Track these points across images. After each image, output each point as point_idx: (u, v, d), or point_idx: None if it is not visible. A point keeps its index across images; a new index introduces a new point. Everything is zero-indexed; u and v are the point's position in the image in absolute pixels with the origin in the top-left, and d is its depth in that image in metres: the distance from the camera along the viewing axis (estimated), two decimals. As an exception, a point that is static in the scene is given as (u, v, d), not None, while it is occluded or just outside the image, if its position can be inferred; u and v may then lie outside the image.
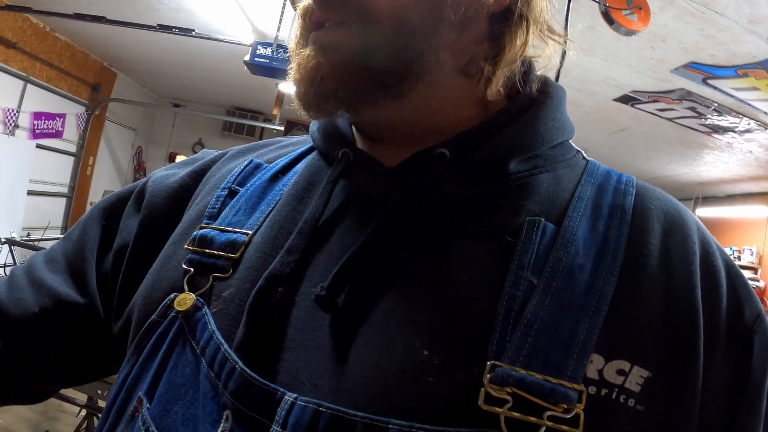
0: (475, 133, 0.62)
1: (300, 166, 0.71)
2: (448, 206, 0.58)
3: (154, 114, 10.55)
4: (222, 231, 0.64)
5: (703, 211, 9.61)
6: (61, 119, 6.93)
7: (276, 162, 0.74)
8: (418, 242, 0.56)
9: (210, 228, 0.65)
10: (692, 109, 5.61)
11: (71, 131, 7.35)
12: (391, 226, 0.56)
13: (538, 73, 0.70)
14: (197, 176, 0.77)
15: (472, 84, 0.63)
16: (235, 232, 0.63)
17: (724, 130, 6.09)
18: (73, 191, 7.89)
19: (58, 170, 7.53)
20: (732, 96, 5.05)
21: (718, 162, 7.68)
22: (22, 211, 6.25)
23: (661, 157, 8.06)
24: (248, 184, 0.70)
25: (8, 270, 4.79)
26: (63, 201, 7.79)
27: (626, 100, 5.75)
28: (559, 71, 0.68)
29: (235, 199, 0.69)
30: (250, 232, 0.62)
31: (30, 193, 6.49)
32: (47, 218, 6.75)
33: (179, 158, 6.65)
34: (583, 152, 0.69)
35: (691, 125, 6.18)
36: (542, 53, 0.66)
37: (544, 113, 0.64)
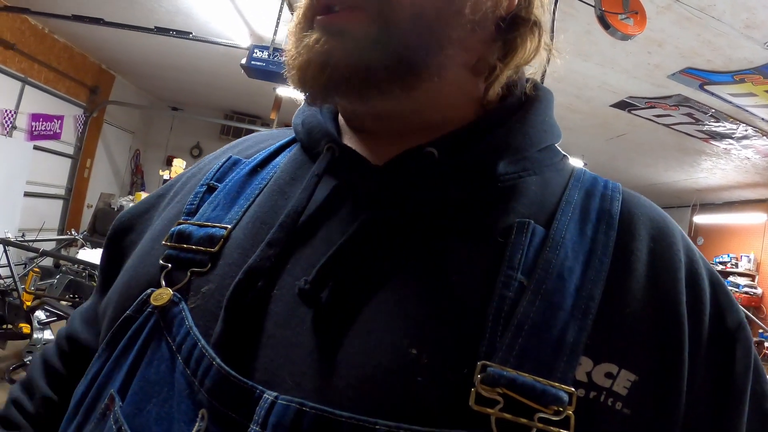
0: (464, 133, 0.61)
1: (280, 160, 0.70)
2: (437, 206, 0.58)
3: (152, 117, 10.57)
4: (200, 226, 0.63)
5: (701, 218, 9.63)
6: (59, 121, 6.95)
7: (254, 156, 0.73)
8: (406, 240, 0.55)
9: (188, 224, 0.64)
10: (689, 115, 5.63)
11: (69, 133, 7.37)
12: (379, 224, 0.55)
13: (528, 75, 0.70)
14: (162, 192, 0.79)
15: (476, 82, 0.64)
16: (214, 227, 0.62)
17: (722, 136, 6.11)
18: (70, 193, 7.91)
19: (56, 172, 7.55)
20: (729, 102, 5.07)
21: (716, 169, 7.70)
22: (18, 212, 6.26)
23: (658, 164, 8.08)
24: (226, 180, 0.69)
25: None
26: (60, 203, 7.80)
27: (623, 105, 5.77)
28: (543, 75, 0.69)
29: (213, 195, 0.68)
30: (229, 227, 0.61)
31: (27, 194, 6.50)
32: (44, 220, 6.75)
33: (176, 161, 6.65)
34: (568, 156, 0.70)
35: (688, 131, 6.20)
36: (537, 60, 0.67)
37: (533, 116, 0.64)
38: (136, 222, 0.75)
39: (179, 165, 6.85)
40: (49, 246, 5.61)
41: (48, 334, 3.86)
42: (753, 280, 8.62)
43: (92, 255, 3.96)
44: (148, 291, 0.59)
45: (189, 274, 0.58)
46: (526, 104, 0.65)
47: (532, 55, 0.64)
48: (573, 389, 0.46)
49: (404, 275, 0.53)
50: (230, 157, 0.74)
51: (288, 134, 0.76)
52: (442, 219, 0.57)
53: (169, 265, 0.60)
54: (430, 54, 0.57)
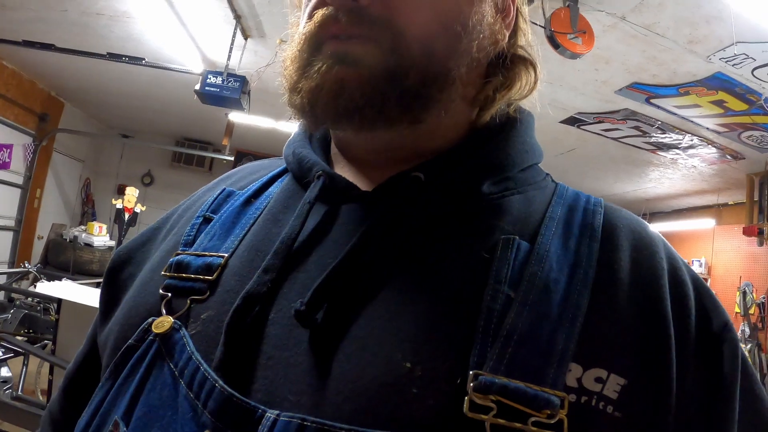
0: (450, 156, 0.64)
1: (273, 190, 0.72)
2: (425, 227, 0.60)
3: (102, 145, 10.37)
4: (198, 256, 0.64)
5: (652, 227, 9.75)
6: (8, 150, 6.77)
7: (248, 188, 0.74)
8: (397, 260, 0.57)
9: (186, 254, 0.65)
10: (637, 128, 5.79)
11: (18, 162, 7.18)
12: (370, 246, 0.57)
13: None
14: (157, 226, 0.79)
15: (471, 111, 0.67)
16: (211, 256, 0.63)
17: (668, 147, 6.29)
18: (20, 225, 7.69)
19: (4, 203, 7.34)
20: (675, 114, 5.24)
21: (664, 178, 7.91)
22: (-33, 246, 6.07)
23: (608, 176, 8.26)
24: (222, 211, 0.71)
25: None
26: (9, 235, 7.57)
27: (572, 121, 5.91)
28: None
29: (209, 226, 0.69)
30: (226, 255, 0.62)
31: (-25, 227, 6.31)
32: (-6, 253, 6.56)
33: (129, 190, 6.54)
34: (551, 175, 0.72)
35: (635, 144, 6.37)
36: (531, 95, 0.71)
37: (514, 137, 0.67)
38: (134, 255, 0.75)
39: (132, 194, 6.76)
40: (1, 280, 5.46)
41: (5, 372, 3.73)
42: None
43: (51, 288, 3.85)
44: (149, 320, 0.59)
45: (188, 302, 0.59)
46: (507, 126, 0.68)
47: (526, 90, 0.68)
48: (564, 393, 0.48)
49: (396, 293, 0.54)
50: (224, 189, 0.75)
51: (279, 164, 0.78)
52: (429, 238, 0.59)
53: (169, 294, 0.61)
54: (442, 89, 0.59)
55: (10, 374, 3.72)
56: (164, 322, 0.58)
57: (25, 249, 7.80)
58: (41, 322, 4.58)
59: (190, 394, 0.52)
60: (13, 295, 5.07)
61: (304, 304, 0.52)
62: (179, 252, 0.66)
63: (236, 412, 0.49)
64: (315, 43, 0.59)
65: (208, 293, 0.59)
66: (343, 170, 0.68)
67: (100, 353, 0.68)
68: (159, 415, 0.53)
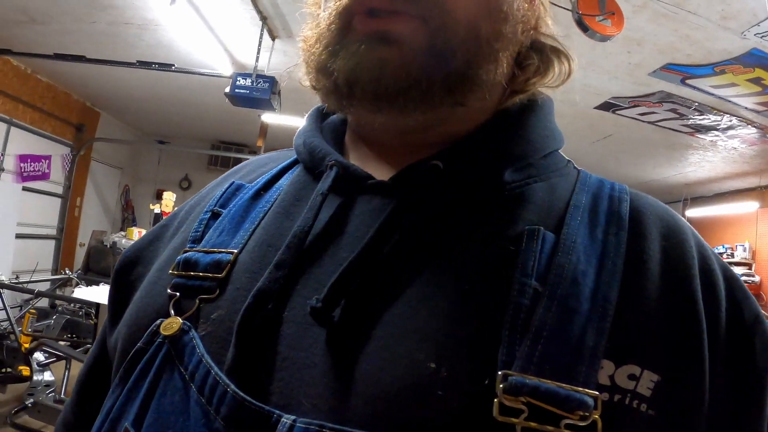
0: (468, 143, 0.61)
1: (283, 182, 0.69)
2: (445, 218, 0.57)
3: (139, 151, 10.57)
4: (206, 253, 0.61)
5: (693, 212, 9.64)
6: (47, 161, 6.94)
7: (257, 180, 0.72)
8: (417, 254, 0.54)
9: (194, 251, 0.63)
10: (673, 110, 5.67)
11: (57, 172, 7.37)
12: (388, 239, 0.54)
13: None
14: (165, 223, 0.77)
15: (502, 95, 0.65)
16: (220, 252, 0.61)
17: (707, 129, 6.14)
18: (62, 233, 7.88)
19: (46, 212, 7.53)
20: (711, 94, 5.10)
21: (704, 161, 7.74)
22: (11, 255, 6.23)
23: (646, 162, 8.12)
24: (230, 205, 0.68)
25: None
26: (52, 243, 7.77)
27: (607, 107, 5.81)
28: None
29: (218, 221, 0.66)
30: (235, 251, 0.60)
31: (18, 236, 6.47)
32: (36, 260, 6.72)
33: (166, 194, 6.63)
34: (573, 162, 0.69)
35: (673, 127, 6.23)
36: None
37: (534, 122, 0.64)
38: (142, 255, 0.73)
39: (169, 198, 6.85)
40: (44, 287, 5.59)
41: (48, 376, 3.83)
42: (750, 269, 8.61)
43: (88, 293, 3.93)
44: (158, 321, 0.57)
45: (198, 301, 0.57)
46: (527, 110, 0.65)
47: (560, 80, 0.66)
48: (597, 393, 0.45)
49: (416, 288, 0.52)
50: (233, 182, 0.73)
51: (289, 156, 0.75)
52: (450, 230, 0.56)
53: (177, 293, 0.59)
54: (489, 71, 0.57)
55: (53, 378, 3.83)
56: (173, 324, 0.56)
57: (67, 256, 8.00)
58: (83, 327, 4.69)
59: (202, 399, 0.50)
60: (56, 301, 5.19)
61: (320, 301, 0.50)
62: (187, 249, 0.63)
63: (249, 417, 0.47)
64: (348, 19, 0.56)
65: (217, 292, 0.57)
66: (358, 159, 0.66)
67: (109, 356, 0.67)
68: (171, 421, 0.51)
